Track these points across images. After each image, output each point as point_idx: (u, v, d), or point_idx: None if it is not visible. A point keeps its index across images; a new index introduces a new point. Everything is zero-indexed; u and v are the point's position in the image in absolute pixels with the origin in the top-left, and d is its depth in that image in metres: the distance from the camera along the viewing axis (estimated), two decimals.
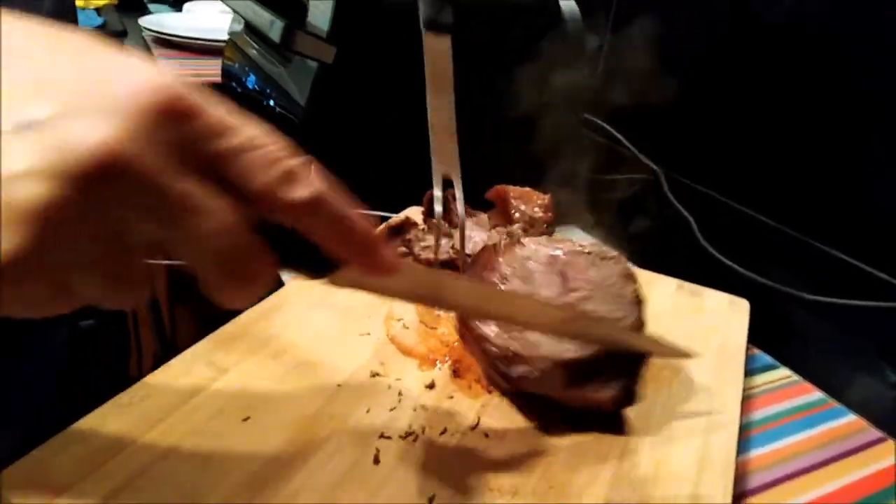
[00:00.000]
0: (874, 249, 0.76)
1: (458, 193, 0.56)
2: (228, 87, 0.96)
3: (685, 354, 0.44)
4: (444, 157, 0.54)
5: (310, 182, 0.26)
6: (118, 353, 0.72)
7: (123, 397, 0.40)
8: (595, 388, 0.41)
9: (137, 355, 1.00)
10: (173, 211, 0.23)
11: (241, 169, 0.25)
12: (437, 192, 0.54)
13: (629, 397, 0.43)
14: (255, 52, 0.88)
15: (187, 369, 0.43)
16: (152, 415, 0.39)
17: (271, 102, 0.79)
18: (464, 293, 0.37)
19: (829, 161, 0.81)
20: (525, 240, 0.47)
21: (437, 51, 0.53)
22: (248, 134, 0.25)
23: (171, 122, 0.23)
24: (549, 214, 0.59)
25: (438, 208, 0.55)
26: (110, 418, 0.39)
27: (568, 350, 0.41)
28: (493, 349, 0.42)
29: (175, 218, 0.23)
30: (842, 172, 0.80)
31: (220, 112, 0.24)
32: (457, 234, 0.57)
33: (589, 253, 0.47)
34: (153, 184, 0.22)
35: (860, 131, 0.78)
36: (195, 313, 0.77)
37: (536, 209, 0.59)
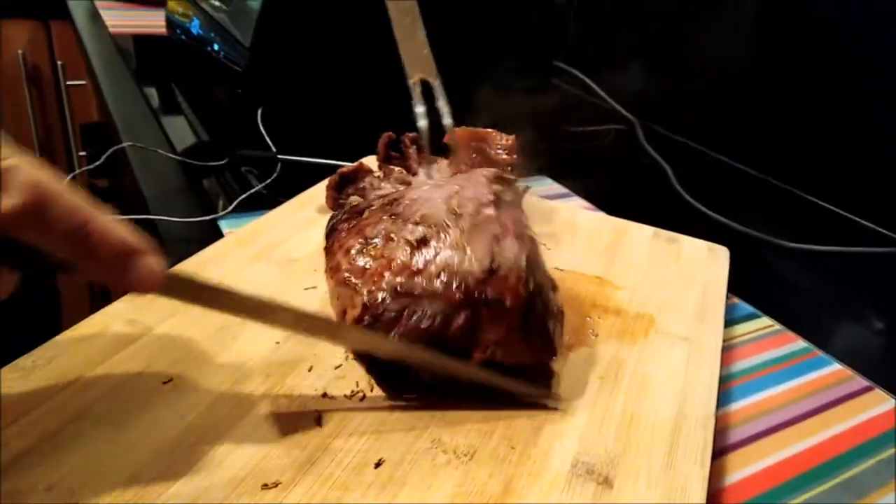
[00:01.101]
0: (855, 196, 0.73)
1: (441, 98, 0.50)
2: (174, 37, 0.90)
3: (548, 397, 0.38)
4: (417, 61, 0.48)
5: (22, 185, 0.22)
6: (49, 314, 0.67)
7: (26, 360, 0.35)
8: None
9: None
10: None
11: None
12: (419, 108, 0.48)
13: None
14: None
15: (104, 328, 0.38)
16: (58, 378, 0.34)
17: (216, 47, 0.73)
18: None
19: (807, 108, 0.78)
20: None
21: None
22: None
23: None
24: (514, 157, 0.54)
25: (423, 123, 0.49)
26: (8, 382, 0.34)
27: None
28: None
29: None
30: (821, 119, 0.77)
31: None
32: (415, 180, 0.52)
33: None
34: None
35: (838, 77, 0.74)
36: None
37: (500, 150, 0.54)
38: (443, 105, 0.49)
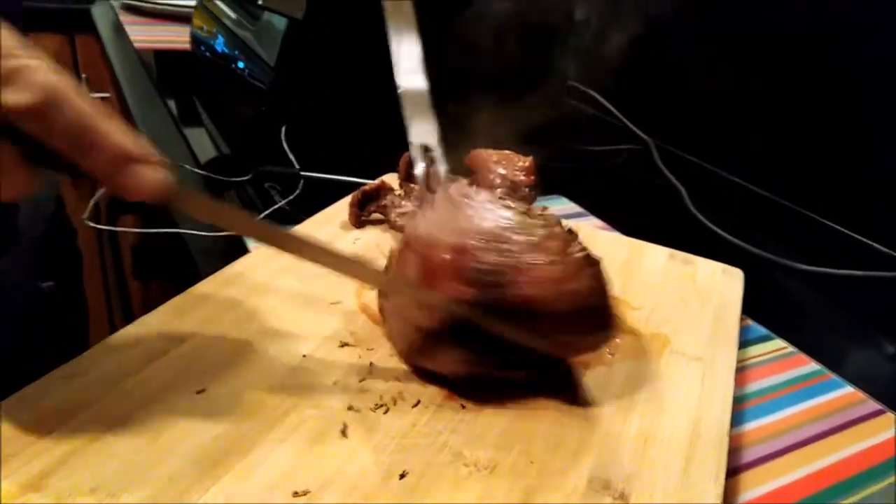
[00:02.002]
0: (868, 219, 0.74)
1: (439, 163, 0.53)
2: (197, 53, 0.92)
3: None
4: (420, 128, 0.51)
5: (36, 84, 0.24)
6: (77, 319, 0.69)
7: (67, 368, 0.37)
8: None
9: (111, 330, 0.97)
10: None
11: None
12: (419, 169, 0.51)
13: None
14: (223, 15, 0.84)
15: (139, 338, 0.40)
16: (97, 387, 0.36)
17: (240, 65, 0.75)
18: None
19: (822, 130, 0.79)
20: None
21: (398, 14, 0.50)
22: None
23: None
24: (532, 178, 0.55)
25: (419, 170, 0.51)
26: (53, 389, 0.35)
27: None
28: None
29: None
30: (836, 142, 0.78)
31: None
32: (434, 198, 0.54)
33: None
34: None
35: (854, 100, 0.75)
36: (168, 285, 0.74)
37: (517, 172, 0.55)
38: (440, 170, 0.52)
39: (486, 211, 0.38)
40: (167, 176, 0.29)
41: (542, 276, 0.36)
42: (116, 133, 0.27)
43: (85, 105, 0.26)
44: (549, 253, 0.36)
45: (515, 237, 0.37)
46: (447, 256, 0.36)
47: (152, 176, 0.28)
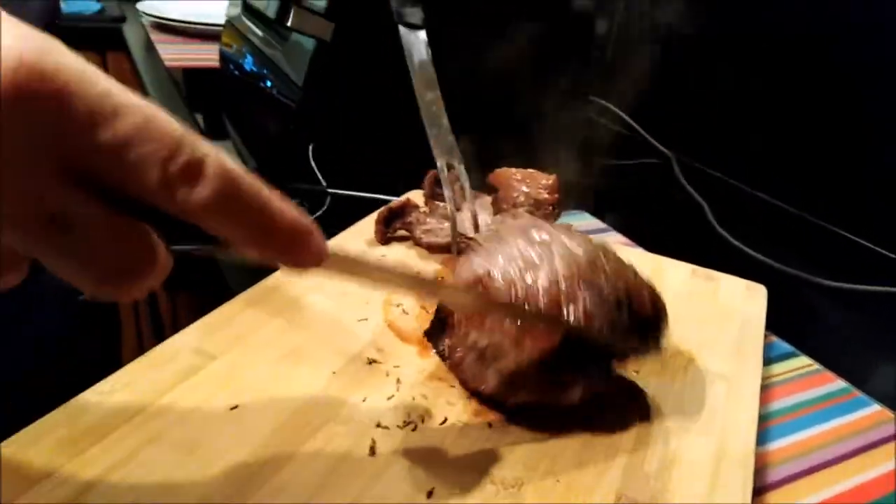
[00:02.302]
0: (894, 235, 0.73)
1: (464, 180, 0.54)
2: (226, 71, 0.94)
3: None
4: (443, 148, 0.52)
5: (214, 176, 0.22)
6: (111, 333, 0.71)
7: (105, 385, 0.38)
8: (560, 389, 0.38)
9: (138, 340, 0.99)
10: (37, 227, 0.19)
11: (126, 167, 0.20)
12: (447, 191, 0.52)
13: (598, 385, 0.39)
14: (252, 34, 0.86)
15: (173, 356, 0.41)
16: (135, 402, 0.37)
17: (268, 83, 0.77)
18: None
19: (847, 145, 0.79)
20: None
21: (413, 44, 0.52)
22: (132, 121, 0.20)
23: (31, 111, 0.18)
24: (555, 196, 0.56)
25: (448, 192, 0.53)
26: (91, 406, 0.36)
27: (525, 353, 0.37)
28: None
29: (41, 235, 0.20)
30: (862, 157, 0.77)
31: (96, 92, 0.19)
32: (459, 216, 0.55)
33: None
34: (12, 199, 0.19)
35: (880, 116, 0.75)
36: (196, 298, 0.75)
37: (541, 190, 0.56)
38: (464, 186, 0.54)
39: (554, 244, 0.39)
40: (326, 242, 0.27)
41: (647, 295, 0.39)
42: (290, 207, 0.25)
43: (255, 182, 0.24)
44: (633, 274, 0.40)
45: (598, 262, 0.38)
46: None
47: (322, 245, 0.27)
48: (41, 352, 0.56)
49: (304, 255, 0.26)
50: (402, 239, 0.58)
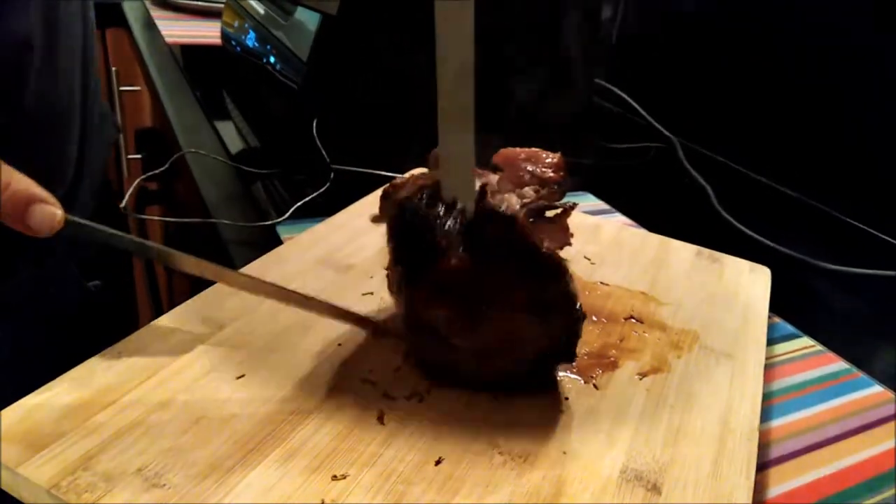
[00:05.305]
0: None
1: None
2: (227, 48, 0.93)
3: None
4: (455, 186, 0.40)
5: None
6: (125, 314, 0.71)
7: (112, 351, 0.38)
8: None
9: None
10: None
11: None
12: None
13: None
14: (253, 10, 0.85)
15: (180, 324, 0.41)
16: (142, 370, 0.37)
17: (271, 59, 0.76)
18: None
19: (850, 129, 0.79)
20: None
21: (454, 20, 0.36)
22: None
23: None
24: (561, 174, 0.55)
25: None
26: (98, 371, 0.36)
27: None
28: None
29: None
30: (865, 141, 0.77)
31: None
32: None
33: None
34: None
35: (885, 101, 0.75)
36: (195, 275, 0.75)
37: (546, 169, 0.56)
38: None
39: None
40: (61, 212, 0.33)
41: None
42: (17, 179, 0.30)
43: None
44: None
45: None
46: None
47: (50, 213, 0.32)
48: (52, 335, 0.56)
49: (29, 221, 0.31)
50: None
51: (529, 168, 0.59)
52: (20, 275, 0.52)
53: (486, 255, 0.36)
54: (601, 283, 0.52)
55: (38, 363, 0.52)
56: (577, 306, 0.37)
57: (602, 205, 0.73)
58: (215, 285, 0.45)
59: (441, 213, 0.37)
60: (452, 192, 0.38)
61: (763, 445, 0.41)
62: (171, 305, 0.44)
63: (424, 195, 0.39)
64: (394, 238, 0.39)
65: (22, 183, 0.31)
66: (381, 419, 0.36)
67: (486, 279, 0.36)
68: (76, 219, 0.34)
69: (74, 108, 0.55)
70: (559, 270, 0.36)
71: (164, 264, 0.40)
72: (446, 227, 0.37)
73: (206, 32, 1.13)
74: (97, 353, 0.38)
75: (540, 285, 0.36)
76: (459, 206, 0.38)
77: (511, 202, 0.43)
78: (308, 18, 0.71)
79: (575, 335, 0.38)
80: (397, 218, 0.39)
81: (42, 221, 0.32)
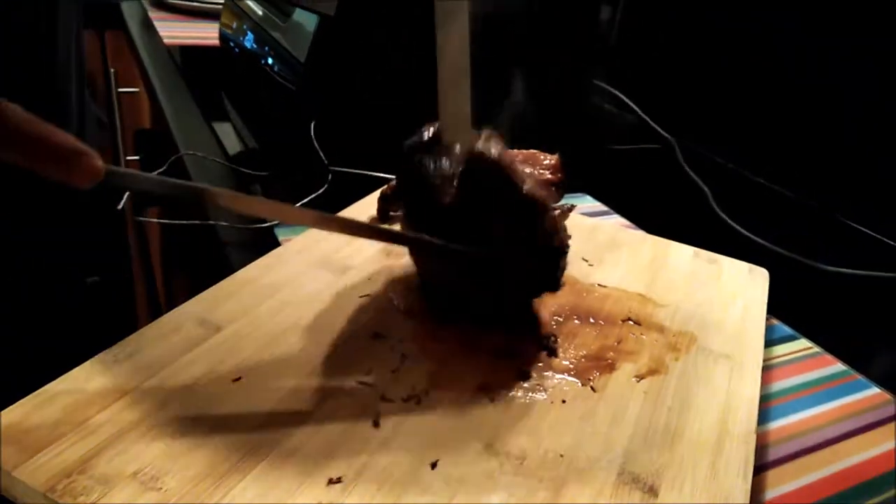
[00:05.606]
0: (894, 220, 0.74)
1: None
2: (226, 49, 0.93)
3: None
4: (454, 133, 0.47)
5: None
6: (124, 310, 0.71)
7: (108, 354, 0.38)
8: None
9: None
10: None
11: None
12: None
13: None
14: (251, 12, 0.85)
15: (178, 326, 0.41)
16: (138, 372, 0.37)
17: (269, 61, 0.76)
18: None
19: (848, 130, 0.79)
20: None
21: (451, 20, 0.45)
22: None
23: None
24: (559, 175, 0.55)
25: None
26: (96, 374, 0.36)
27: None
28: None
29: None
30: (862, 143, 0.77)
31: None
32: None
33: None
34: None
35: (882, 102, 0.75)
36: (192, 276, 0.75)
37: (544, 171, 0.56)
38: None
39: None
40: (102, 162, 0.33)
41: None
42: (61, 134, 0.31)
43: (27, 115, 0.29)
44: None
45: None
46: None
47: (95, 164, 0.32)
48: (52, 329, 0.56)
49: (76, 173, 0.31)
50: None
51: (527, 170, 0.59)
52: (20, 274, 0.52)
53: (475, 194, 0.40)
54: (599, 284, 0.52)
55: (38, 364, 0.53)
56: (558, 240, 0.41)
57: (600, 206, 0.73)
58: (214, 287, 0.45)
59: (439, 156, 0.43)
60: (452, 138, 0.44)
61: (761, 447, 0.41)
62: (171, 305, 0.44)
63: (428, 139, 0.44)
64: (399, 177, 0.46)
65: (62, 137, 0.31)
66: (376, 422, 0.36)
67: (475, 215, 0.40)
68: (117, 168, 0.35)
69: (72, 102, 0.56)
70: (537, 208, 0.40)
71: (214, 206, 0.40)
72: (442, 168, 0.42)
73: (205, 34, 1.13)
74: (96, 353, 0.38)
75: (520, 221, 0.40)
76: (456, 149, 0.43)
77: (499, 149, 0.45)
78: (306, 20, 0.71)
79: (555, 266, 0.42)
80: (403, 159, 0.44)
81: (85, 172, 0.32)
